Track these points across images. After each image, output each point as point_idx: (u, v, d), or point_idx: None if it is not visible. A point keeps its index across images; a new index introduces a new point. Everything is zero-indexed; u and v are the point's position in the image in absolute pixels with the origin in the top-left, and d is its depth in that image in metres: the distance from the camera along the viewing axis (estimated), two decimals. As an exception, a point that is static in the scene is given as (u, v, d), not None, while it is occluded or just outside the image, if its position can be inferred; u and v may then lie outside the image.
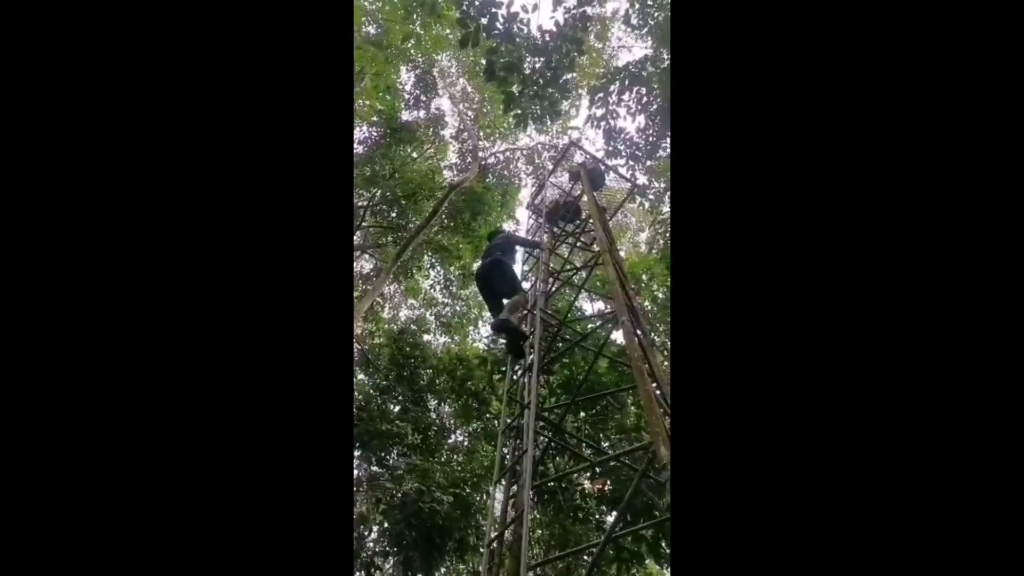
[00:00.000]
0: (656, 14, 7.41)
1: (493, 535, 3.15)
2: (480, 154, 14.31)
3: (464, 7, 4.80)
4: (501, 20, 4.83)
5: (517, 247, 5.18)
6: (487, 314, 14.88)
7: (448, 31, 10.19)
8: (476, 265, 5.49)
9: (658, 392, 3.12)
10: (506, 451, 4.27)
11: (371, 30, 11.27)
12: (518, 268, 5.24)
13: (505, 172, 14.38)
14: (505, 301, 4.64)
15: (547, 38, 5.05)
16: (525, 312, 4.56)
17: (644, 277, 10.37)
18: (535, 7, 5.13)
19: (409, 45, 11.00)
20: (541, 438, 3.64)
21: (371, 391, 10.58)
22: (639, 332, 3.62)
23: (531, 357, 3.73)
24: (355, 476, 10.45)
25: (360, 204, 12.66)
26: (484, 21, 4.77)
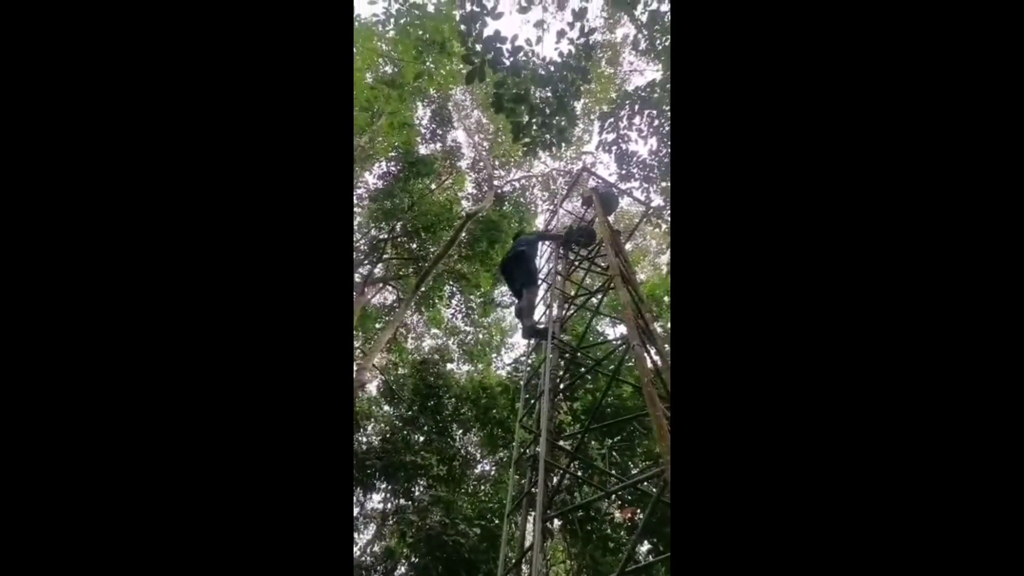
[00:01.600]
0: (664, 38, 7.50)
1: (509, 567, 3.09)
2: (496, 182, 14.50)
3: (470, 44, 4.93)
4: (506, 54, 4.95)
5: (540, 242, 5.81)
6: (509, 340, 14.97)
7: (460, 66, 10.47)
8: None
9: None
10: (527, 480, 4.21)
11: (388, 69, 11.65)
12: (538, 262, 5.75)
13: (521, 199, 14.52)
14: (524, 291, 5.16)
15: (552, 69, 5.16)
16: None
17: (666, 299, 10.25)
18: (539, 40, 5.24)
19: (422, 82, 11.31)
20: (558, 468, 3.59)
21: (396, 422, 10.58)
22: (651, 356, 3.57)
23: (544, 384, 3.71)
24: (382, 510, 10.41)
25: (381, 237, 12.91)
26: (489, 56, 4.89)
